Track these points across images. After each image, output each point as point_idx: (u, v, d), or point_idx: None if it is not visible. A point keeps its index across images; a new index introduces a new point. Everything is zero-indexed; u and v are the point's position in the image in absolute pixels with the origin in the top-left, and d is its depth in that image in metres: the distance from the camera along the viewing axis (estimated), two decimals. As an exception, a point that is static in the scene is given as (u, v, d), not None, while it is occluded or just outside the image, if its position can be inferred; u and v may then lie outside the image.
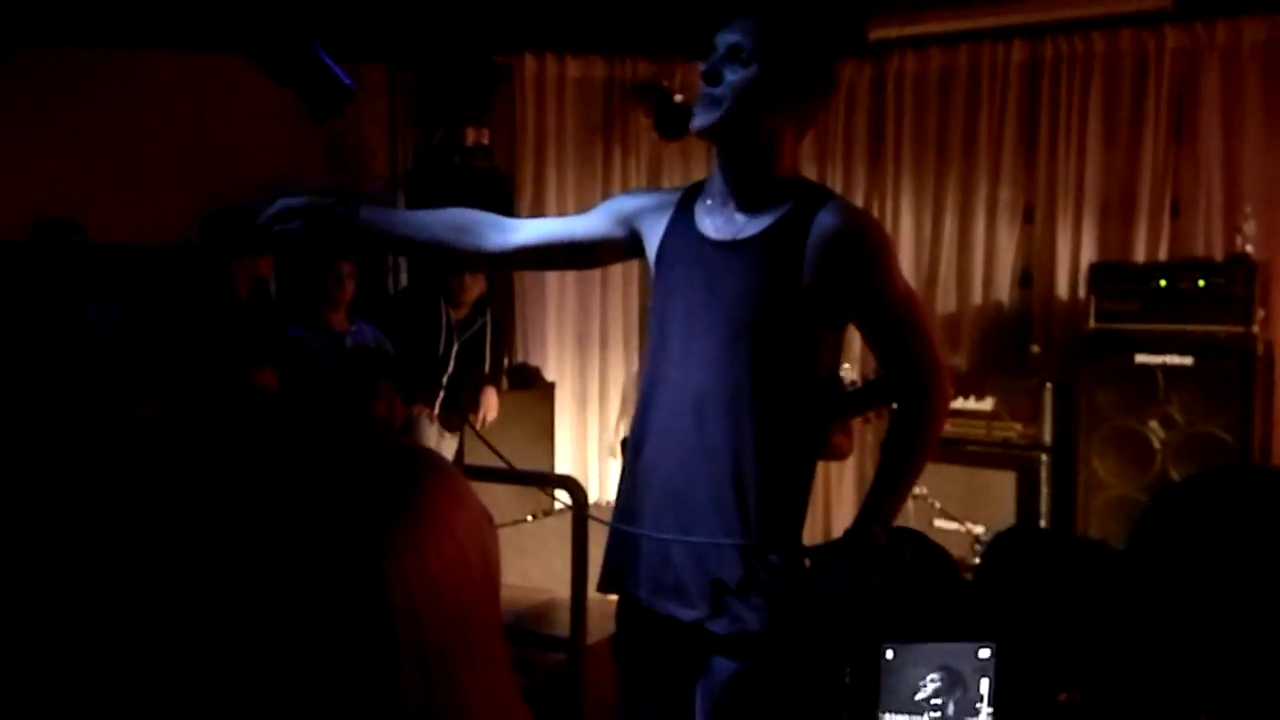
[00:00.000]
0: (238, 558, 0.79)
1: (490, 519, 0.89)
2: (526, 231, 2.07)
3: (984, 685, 1.53)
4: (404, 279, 5.51)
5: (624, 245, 2.04)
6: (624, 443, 2.19)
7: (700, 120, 1.88)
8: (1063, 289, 5.02)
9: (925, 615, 2.37)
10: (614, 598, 2.06)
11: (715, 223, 1.91)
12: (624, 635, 2.01)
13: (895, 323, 1.88)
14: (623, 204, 2.09)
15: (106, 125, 4.79)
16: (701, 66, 1.87)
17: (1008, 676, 1.54)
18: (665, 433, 1.88)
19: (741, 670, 1.82)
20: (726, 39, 1.86)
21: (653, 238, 1.99)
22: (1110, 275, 4.61)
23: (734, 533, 1.81)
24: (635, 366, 5.68)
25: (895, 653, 1.56)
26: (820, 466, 1.96)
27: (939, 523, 4.47)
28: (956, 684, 1.54)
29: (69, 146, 4.76)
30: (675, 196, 2.01)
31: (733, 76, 1.84)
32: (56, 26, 4.64)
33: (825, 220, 1.83)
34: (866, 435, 5.24)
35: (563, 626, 2.81)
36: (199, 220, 4.25)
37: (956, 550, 4.21)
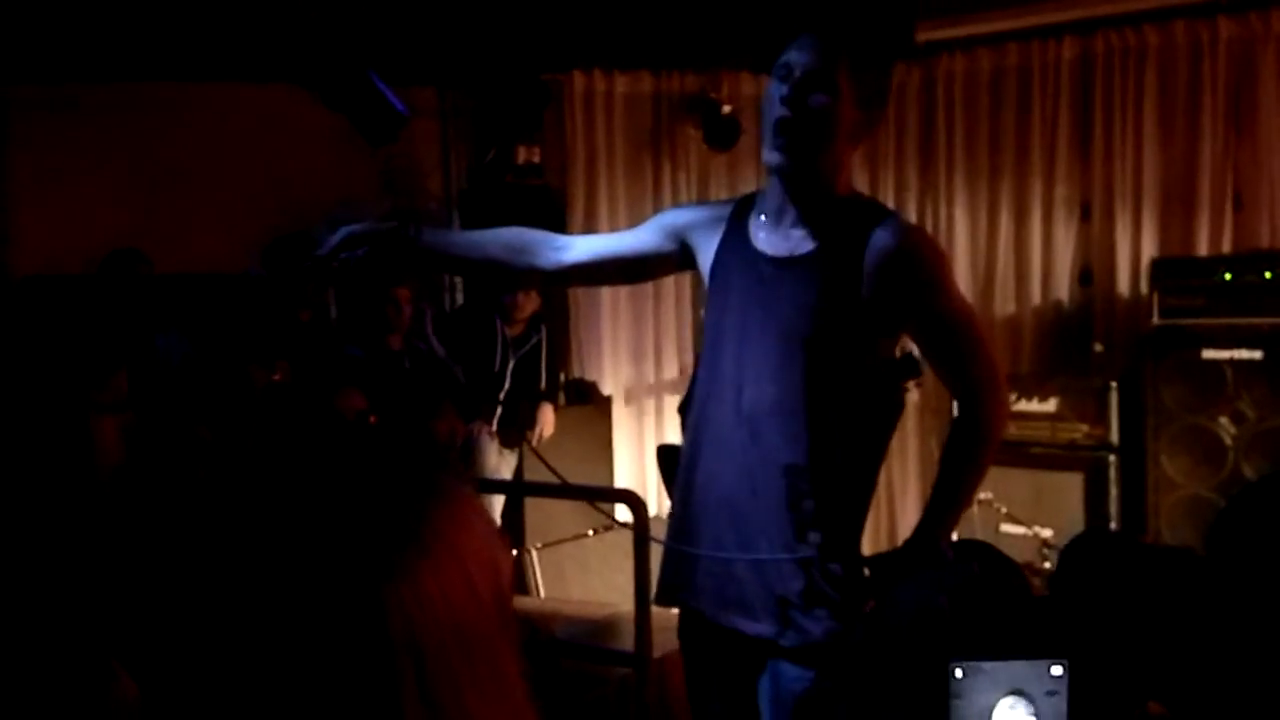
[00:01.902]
0: (240, 583, 0.81)
1: (501, 538, 0.90)
2: (580, 249, 2.09)
3: (1058, 704, 1.50)
4: (460, 299, 5.58)
5: (675, 259, 2.05)
6: (660, 450, 2.18)
7: (778, 159, 1.84)
8: (1124, 286, 4.93)
9: (995, 632, 2.33)
10: (676, 611, 2.06)
11: (771, 238, 1.91)
12: (688, 647, 2.01)
13: (952, 336, 1.87)
14: (673, 218, 2.10)
15: (167, 157, 4.91)
16: (781, 90, 1.83)
17: (1085, 693, 1.51)
18: (720, 446, 1.88)
19: (810, 679, 1.81)
20: (802, 61, 1.81)
21: (706, 252, 1.99)
22: (1173, 270, 4.52)
23: (793, 546, 1.80)
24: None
25: (964, 672, 1.54)
26: (884, 475, 1.95)
27: (1005, 527, 4.41)
28: (1029, 704, 1.51)
29: (132, 180, 4.88)
30: (727, 210, 2.01)
31: (816, 102, 1.81)
32: (118, 63, 4.77)
33: (881, 237, 1.83)
34: (930, 440, 5.20)
35: (627, 641, 2.81)
36: (259, 249, 4.34)
37: (1024, 555, 4.14)
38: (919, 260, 1.85)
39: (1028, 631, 2.45)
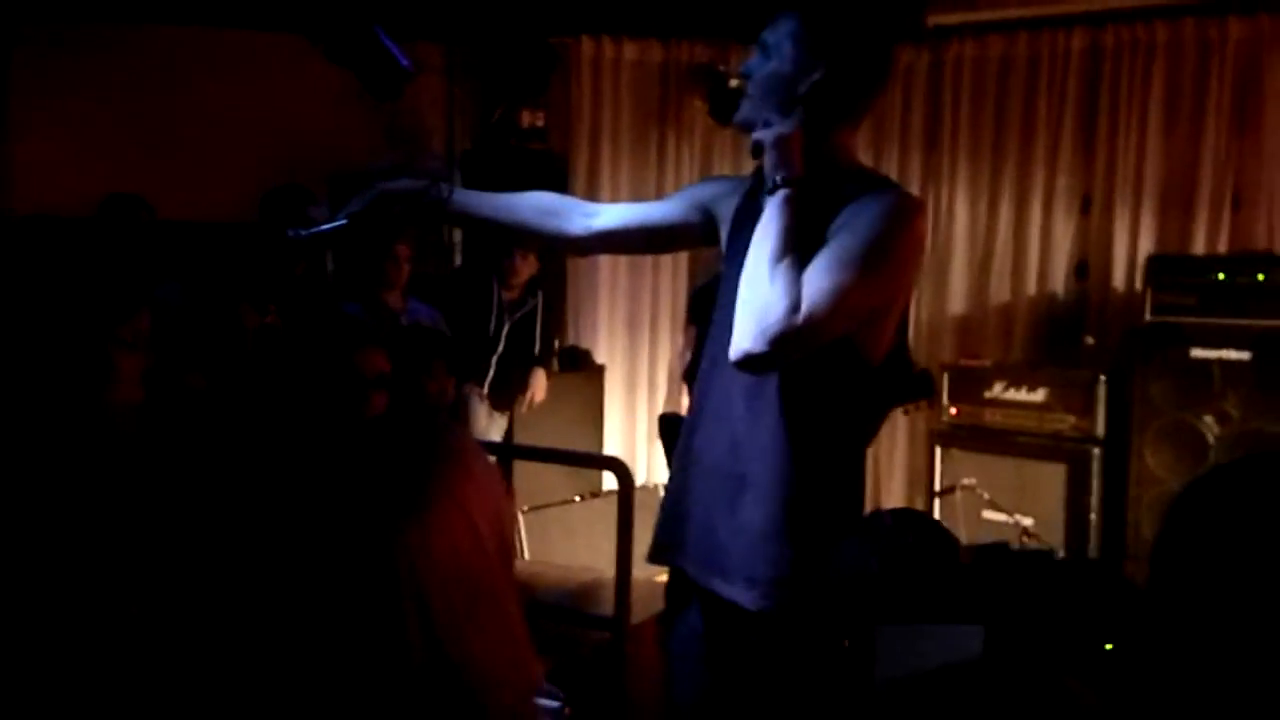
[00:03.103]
0: (255, 531, 0.89)
1: (505, 490, 0.97)
2: (608, 216, 2.11)
3: (974, 667, 1.53)
4: (459, 260, 5.58)
5: (701, 231, 2.07)
6: (661, 419, 2.21)
7: (740, 120, 1.88)
8: (1119, 280, 4.96)
9: (923, 597, 2.35)
10: (660, 579, 2.09)
11: None
12: (672, 608, 2.05)
13: (840, 253, 1.69)
14: (701, 190, 2.11)
15: (169, 102, 4.89)
16: (747, 64, 1.87)
17: (1003, 663, 1.54)
18: (720, 410, 1.90)
19: (760, 644, 1.84)
20: (772, 37, 1.85)
21: (726, 222, 2.01)
22: (1168, 267, 4.54)
23: (781, 513, 1.82)
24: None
25: (888, 633, 1.57)
26: (870, 457, 1.96)
27: (987, 514, 4.45)
28: (948, 663, 1.54)
29: (133, 124, 4.87)
30: (748, 181, 2.02)
31: (774, 72, 1.83)
32: (124, 3, 4.74)
33: (868, 196, 1.79)
34: (918, 422, 5.24)
35: (608, 605, 2.85)
36: (259, 199, 4.33)
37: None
38: (882, 205, 1.73)
39: (951, 599, 2.47)
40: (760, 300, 1.69)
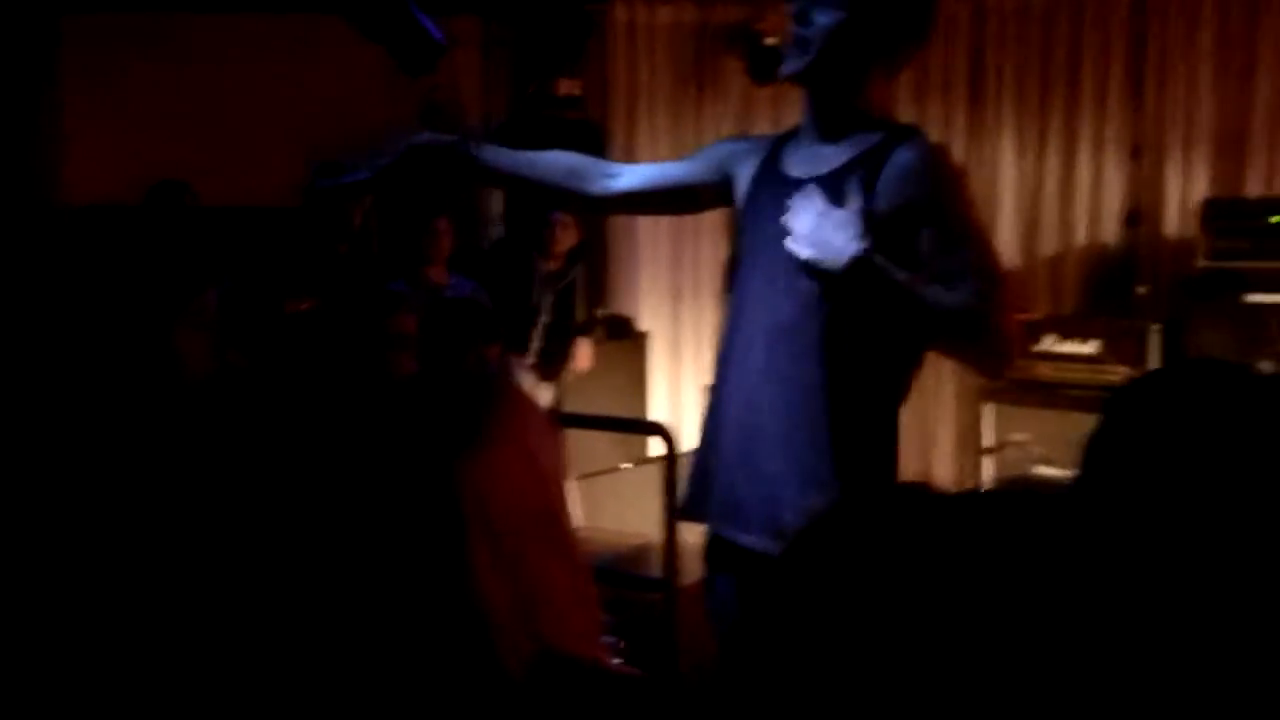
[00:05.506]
0: (331, 470, 0.97)
1: (553, 428, 1.08)
2: (630, 177, 2.13)
3: None
4: (500, 233, 5.60)
5: (720, 190, 2.07)
6: (706, 390, 2.23)
7: (789, 66, 1.87)
8: (1171, 228, 4.86)
9: None
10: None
11: (798, 161, 1.92)
12: (710, 565, 2.06)
13: (961, 251, 1.80)
14: (720, 149, 2.12)
15: (209, 90, 4.94)
16: (791, 6, 1.85)
17: None
18: (740, 364, 1.91)
19: None
20: None
21: (743, 181, 2.01)
22: (1223, 211, 4.44)
23: (799, 462, 1.82)
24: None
25: None
26: (918, 416, 1.93)
27: (1040, 469, 4.40)
28: None
29: (175, 111, 4.93)
30: (770, 141, 2.02)
31: (823, 19, 1.82)
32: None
33: (901, 155, 1.82)
34: (965, 378, 5.17)
35: (657, 568, 2.87)
36: (304, 177, 4.37)
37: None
38: (938, 174, 1.82)
39: None
40: (960, 329, 1.81)
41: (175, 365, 1.74)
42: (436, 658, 0.91)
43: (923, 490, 0.55)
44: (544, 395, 4.85)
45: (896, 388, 1.90)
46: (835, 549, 0.52)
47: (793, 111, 2.02)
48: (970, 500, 0.54)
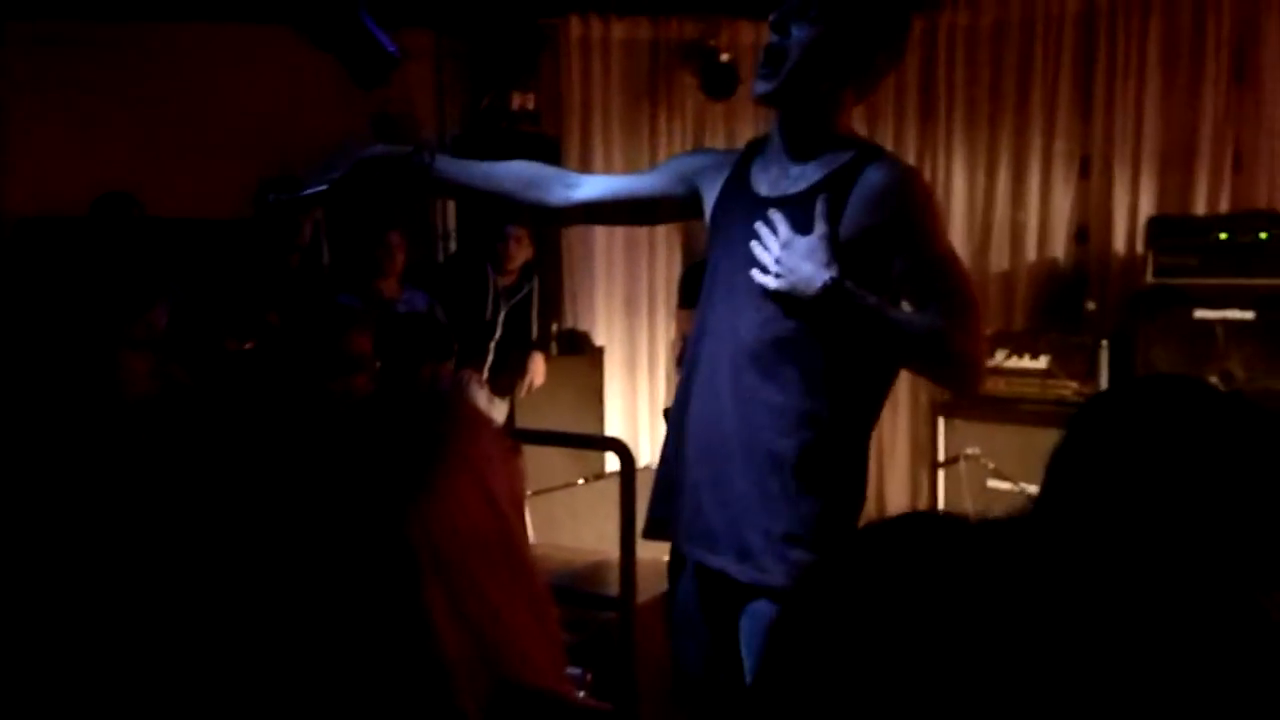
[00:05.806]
0: (273, 505, 0.91)
1: (509, 448, 1.01)
2: (590, 187, 2.10)
3: None
4: (454, 247, 5.55)
5: (684, 203, 2.05)
6: (667, 412, 2.21)
7: (760, 87, 1.85)
8: (1120, 244, 4.93)
9: None
10: (664, 558, 2.08)
11: (767, 179, 1.90)
12: (672, 584, 2.04)
13: (935, 277, 1.82)
14: (685, 162, 2.11)
15: (157, 99, 4.85)
16: (770, 16, 1.84)
17: None
18: (707, 384, 1.89)
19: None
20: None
21: (710, 195, 2.00)
22: (1169, 229, 4.51)
23: (762, 484, 1.81)
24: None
25: None
26: (874, 440, 1.92)
27: (992, 483, 4.43)
28: None
29: (121, 121, 4.83)
30: (736, 155, 2.01)
31: (799, 33, 1.80)
32: (113, 2, 4.70)
33: (872, 175, 1.81)
34: (920, 393, 5.21)
35: (613, 586, 2.84)
36: (252, 193, 4.30)
37: (1010, 512, 4.18)
38: (909, 198, 1.81)
39: None
40: (930, 354, 1.82)
41: (115, 383, 1.68)
42: (389, 702, 0.86)
43: (940, 519, 0.53)
44: (498, 411, 4.81)
45: (866, 409, 1.90)
46: (858, 583, 0.50)
47: (747, 128, 2.03)
48: (990, 529, 0.52)
